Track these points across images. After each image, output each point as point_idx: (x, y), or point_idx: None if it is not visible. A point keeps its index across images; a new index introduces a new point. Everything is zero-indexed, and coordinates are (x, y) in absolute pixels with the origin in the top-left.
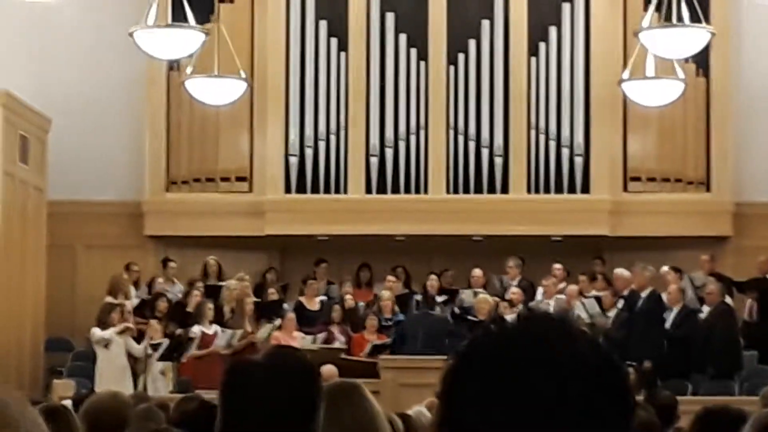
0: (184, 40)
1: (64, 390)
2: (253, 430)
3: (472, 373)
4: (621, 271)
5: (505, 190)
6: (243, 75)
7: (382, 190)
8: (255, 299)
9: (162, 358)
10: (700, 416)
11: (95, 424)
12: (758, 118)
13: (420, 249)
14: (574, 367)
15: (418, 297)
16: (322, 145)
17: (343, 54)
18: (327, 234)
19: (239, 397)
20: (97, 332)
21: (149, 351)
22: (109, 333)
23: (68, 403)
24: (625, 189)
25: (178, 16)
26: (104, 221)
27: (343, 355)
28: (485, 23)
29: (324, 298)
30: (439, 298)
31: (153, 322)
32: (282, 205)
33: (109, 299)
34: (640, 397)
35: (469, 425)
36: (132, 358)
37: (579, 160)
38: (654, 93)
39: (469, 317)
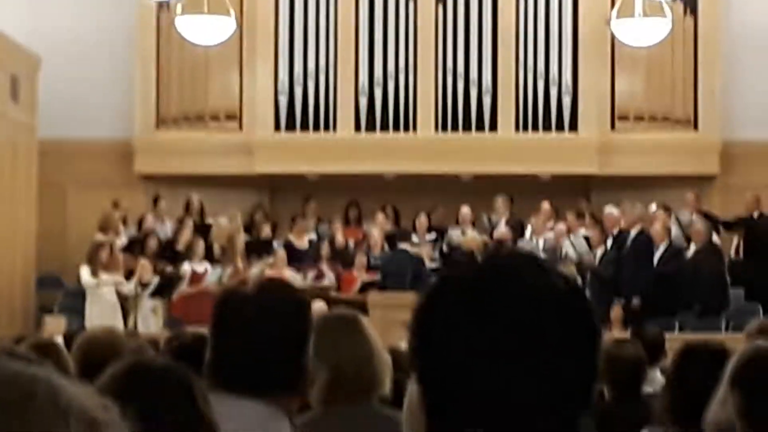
0: None
1: (55, 327)
2: (242, 361)
3: (443, 306)
4: (610, 210)
5: (493, 128)
6: (232, 14)
7: (371, 128)
8: (246, 237)
9: (152, 295)
10: (681, 352)
11: (89, 359)
12: (746, 57)
13: (409, 188)
14: (543, 298)
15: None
16: (311, 83)
17: None
18: (316, 172)
19: (230, 329)
20: (85, 276)
21: (139, 289)
22: (96, 281)
23: (59, 339)
24: (613, 128)
25: None
26: (95, 160)
27: (332, 293)
28: None
29: (313, 236)
30: (428, 237)
31: (143, 260)
32: (271, 144)
33: (100, 237)
34: (627, 334)
35: (439, 357)
36: (122, 296)
37: (567, 99)
38: (642, 32)
39: (458, 255)
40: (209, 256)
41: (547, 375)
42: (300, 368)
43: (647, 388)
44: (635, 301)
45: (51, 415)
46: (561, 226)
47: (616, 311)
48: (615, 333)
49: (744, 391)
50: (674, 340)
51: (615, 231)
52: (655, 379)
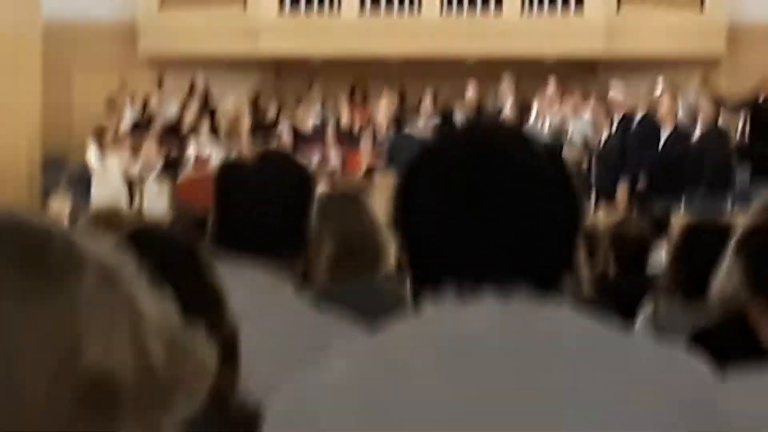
0: None
1: (60, 207)
2: (244, 229)
3: (424, 176)
4: (615, 93)
5: (498, 7)
6: None
7: (376, 8)
8: (251, 119)
9: (158, 176)
10: (687, 229)
11: None
12: None
13: (414, 71)
14: (525, 170)
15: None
16: None
17: None
18: (321, 53)
19: (231, 199)
20: (92, 157)
21: (145, 171)
22: (102, 162)
23: (65, 219)
24: (619, 8)
25: None
26: (99, 41)
27: (337, 176)
28: None
29: (318, 120)
30: (434, 119)
31: (148, 141)
32: (276, 25)
33: (105, 118)
34: (633, 212)
35: (420, 228)
36: (128, 177)
37: None
38: None
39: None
40: (214, 137)
41: (532, 249)
42: (302, 235)
43: (652, 268)
44: (641, 182)
45: (66, 265)
46: (566, 108)
47: (621, 191)
48: (620, 212)
49: (749, 258)
50: (680, 219)
51: (620, 113)
52: (661, 258)
